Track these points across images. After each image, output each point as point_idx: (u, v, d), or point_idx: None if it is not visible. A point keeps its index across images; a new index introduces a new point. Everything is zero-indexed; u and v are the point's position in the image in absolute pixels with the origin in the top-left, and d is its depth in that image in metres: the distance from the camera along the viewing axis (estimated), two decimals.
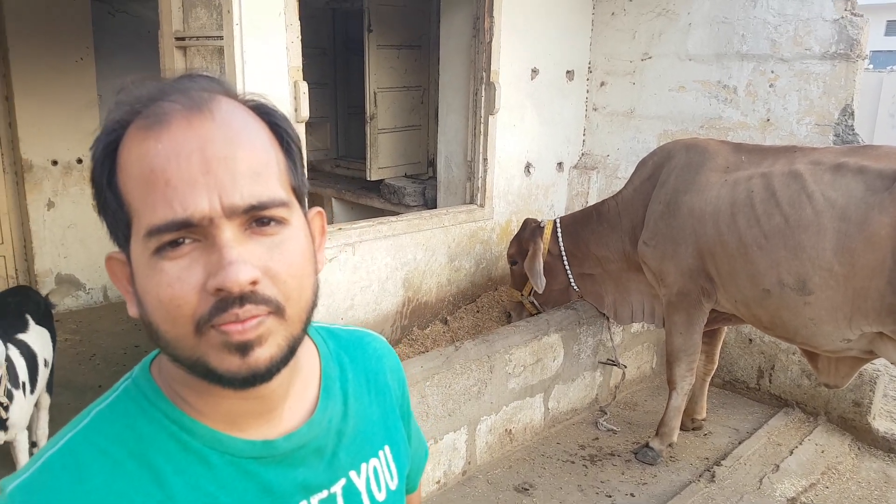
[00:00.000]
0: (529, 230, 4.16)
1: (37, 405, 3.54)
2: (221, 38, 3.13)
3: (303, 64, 3.62)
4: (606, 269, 3.95)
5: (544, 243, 4.04)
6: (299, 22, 3.52)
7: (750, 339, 4.42)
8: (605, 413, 4.22)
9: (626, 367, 4.35)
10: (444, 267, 4.69)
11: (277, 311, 0.72)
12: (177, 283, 0.69)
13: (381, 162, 6.13)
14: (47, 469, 0.74)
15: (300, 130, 3.64)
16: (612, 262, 3.90)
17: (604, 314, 4.13)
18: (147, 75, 0.76)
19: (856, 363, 3.29)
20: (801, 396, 4.23)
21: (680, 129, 4.81)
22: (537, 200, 5.27)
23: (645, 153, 3.97)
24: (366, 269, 4.19)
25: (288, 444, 0.83)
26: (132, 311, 0.76)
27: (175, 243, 0.70)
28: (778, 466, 3.62)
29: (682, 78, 4.78)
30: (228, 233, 0.70)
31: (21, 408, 2.94)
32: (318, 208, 0.87)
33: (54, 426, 3.44)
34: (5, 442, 3.00)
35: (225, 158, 0.70)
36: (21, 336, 3.18)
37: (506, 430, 3.77)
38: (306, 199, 0.83)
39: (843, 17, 4.00)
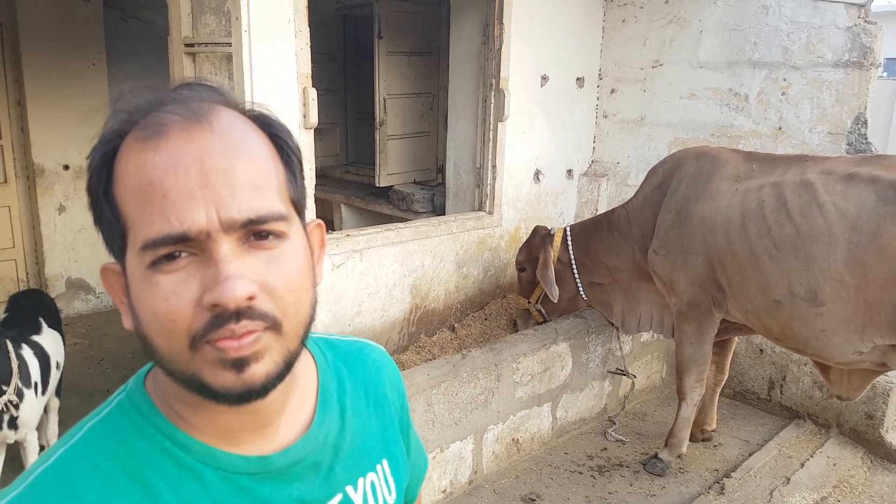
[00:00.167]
0: (539, 237, 4.14)
1: (46, 409, 3.58)
2: (230, 44, 3.13)
3: (313, 70, 3.62)
4: (616, 277, 3.92)
5: (554, 251, 4.02)
6: (309, 28, 3.52)
7: (761, 350, 4.38)
8: (614, 423, 4.19)
9: (635, 376, 4.31)
10: (452, 274, 4.67)
11: (274, 326, 0.71)
12: (172, 298, 0.68)
13: (391, 168, 6.14)
14: (39, 485, 0.73)
15: (309, 137, 3.64)
16: (622, 271, 3.88)
17: (612, 323, 4.10)
18: (145, 85, 0.75)
19: (868, 375, 3.25)
20: (812, 408, 4.18)
21: (691, 137, 4.78)
22: (546, 208, 5.25)
23: (655, 161, 3.95)
24: (373, 275, 4.18)
25: (283, 459, 0.82)
26: (127, 323, 0.75)
27: (171, 257, 0.69)
28: (789, 479, 3.58)
29: (693, 85, 4.75)
30: (226, 247, 0.69)
31: (32, 407, 2.99)
32: (318, 220, 0.86)
33: (63, 429, 3.46)
34: (16, 441, 3.03)
35: (223, 171, 0.69)
36: (35, 338, 3.24)
37: (513, 439, 3.74)
38: (305, 212, 0.81)
39: (856, 25, 3.97)
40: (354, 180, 7.29)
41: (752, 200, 3.17)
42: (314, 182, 3.75)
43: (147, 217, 0.69)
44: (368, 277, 4.15)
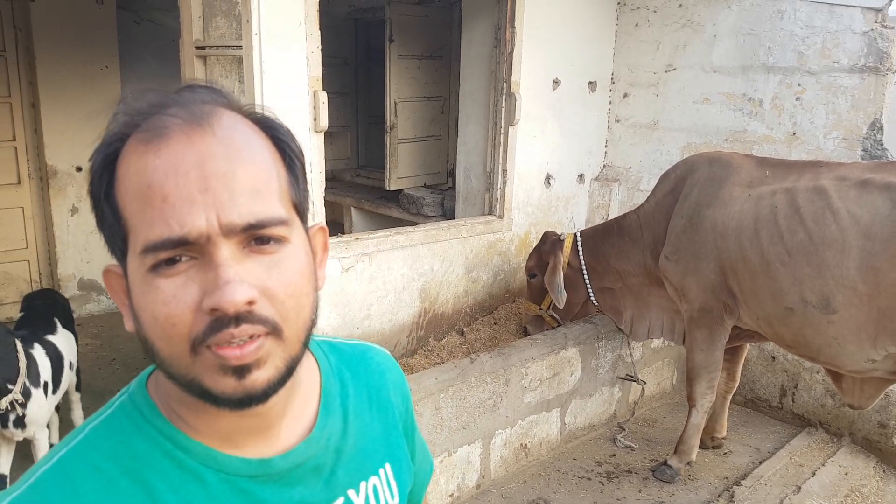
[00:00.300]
0: (549, 243, 4.12)
1: (69, 403, 3.66)
2: (241, 47, 3.14)
3: (324, 73, 3.63)
4: (627, 283, 3.90)
5: (564, 257, 4.01)
6: (320, 32, 3.52)
7: (773, 357, 4.34)
8: (624, 429, 4.17)
9: (645, 382, 4.29)
10: (461, 278, 4.66)
11: (275, 331, 0.71)
12: (172, 302, 0.68)
13: (401, 172, 6.14)
14: (40, 486, 0.73)
15: (319, 140, 3.64)
16: (633, 276, 3.86)
17: (621, 329, 4.08)
18: (148, 87, 0.75)
19: (881, 384, 3.21)
20: (824, 416, 4.14)
21: (704, 142, 4.76)
22: (557, 212, 5.23)
23: (668, 166, 3.92)
24: (382, 279, 4.18)
25: (285, 462, 0.82)
26: (129, 325, 0.75)
27: (171, 261, 0.69)
28: (799, 488, 3.54)
29: (706, 90, 4.73)
30: (226, 251, 0.69)
31: (40, 406, 3.00)
32: (321, 224, 0.86)
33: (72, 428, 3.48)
34: (24, 439, 3.04)
35: (224, 175, 0.69)
36: (50, 337, 3.27)
37: (521, 444, 3.73)
38: (308, 215, 0.81)
39: (872, 30, 3.94)
40: (365, 184, 7.31)
41: (764, 206, 3.14)
42: (324, 185, 3.75)
43: (147, 220, 0.68)
44: (377, 281, 4.15)
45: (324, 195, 3.74)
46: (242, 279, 0.68)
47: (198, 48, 3.26)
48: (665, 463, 3.68)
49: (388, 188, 6.15)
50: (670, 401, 4.65)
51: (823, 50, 4.14)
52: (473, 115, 4.96)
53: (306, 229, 0.80)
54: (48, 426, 3.27)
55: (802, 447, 3.95)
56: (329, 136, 4.22)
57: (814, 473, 3.68)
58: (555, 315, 4.20)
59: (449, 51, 6.23)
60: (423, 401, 3.13)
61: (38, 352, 3.08)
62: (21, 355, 2.89)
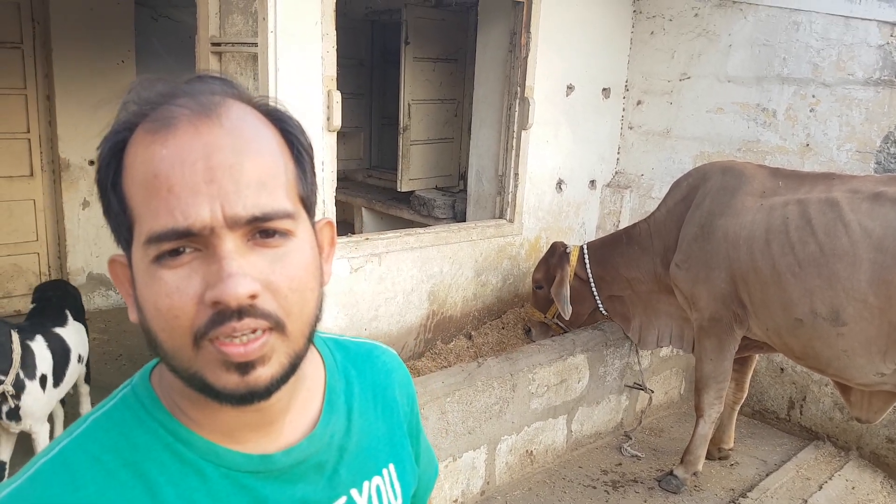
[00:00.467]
0: (557, 255, 4.11)
1: (78, 395, 3.62)
2: (256, 44, 3.14)
3: (340, 74, 3.63)
4: (636, 290, 3.89)
5: (571, 268, 4.00)
6: (336, 32, 3.53)
7: (781, 369, 4.31)
8: (630, 438, 4.14)
9: (653, 391, 4.26)
10: (470, 281, 4.65)
11: (278, 326, 0.70)
12: (175, 294, 0.68)
13: (413, 173, 6.14)
14: (39, 477, 0.73)
15: (332, 139, 3.65)
16: (643, 284, 3.84)
17: (629, 337, 4.06)
18: (158, 76, 0.75)
19: (890, 398, 3.18)
20: (832, 430, 4.11)
21: (716, 151, 4.74)
22: (568, 218, 5.22)
23: (680, 174, 3.90)
24: (391, 280, 4.17)
25: (287, 458, 0.81)
26: (132, 316, 0.75)
27: (175, 252, 0.68)
28: (806, 501, 3.51)
29: (720, 99, 4.71)
30: (230, 244, 0.68)
31: (36, 399, 2.93)
32: (328, 218, 0.85)
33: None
34: (22, 432, 3.00)
35: (230, 167, 0.68)
36: (58, 330, 3.22)
37: (527, 451, 3.71)
38: (315, 209, 0.80)
39: (888, 43, 3.91)
40: (376, 184, 7.32)
41: (776, 217, 3.12)
42: (335, 185, 3.75)
43: (152, 210, 0.68)
44: (386, 282, 4.15)
45: (335, 195, 3.74)
46: (245, 272, 0.67)
47: (213, 44, 3.27)
48: (671, 473, 3.65)
49: (399, 189, 6.16)
50: (678, 410, 4.62)
51: (838, 62, 4.11)
52: (487, 118, 4.96)
53: (313, 224, 0.79)
54: (53, 419, 3.23)
55: (809, 460, 3.92)
56: (342, 136, 4.23)
57: (820, 487, 3.65)
58: (560, 323, 4.19)
59: (464, 54, 6.23)
60: (428, 404, 3.12)
61: (39, 344, 3.01)
62: (16, 347, 2.83)
